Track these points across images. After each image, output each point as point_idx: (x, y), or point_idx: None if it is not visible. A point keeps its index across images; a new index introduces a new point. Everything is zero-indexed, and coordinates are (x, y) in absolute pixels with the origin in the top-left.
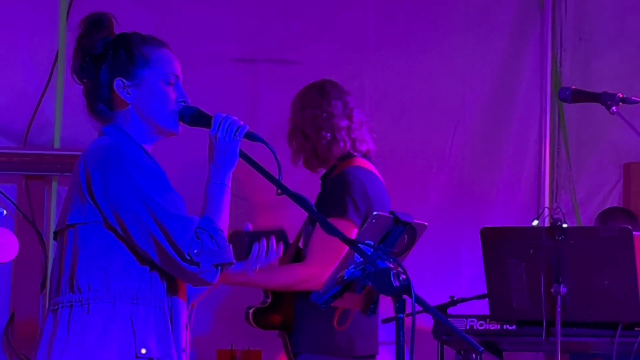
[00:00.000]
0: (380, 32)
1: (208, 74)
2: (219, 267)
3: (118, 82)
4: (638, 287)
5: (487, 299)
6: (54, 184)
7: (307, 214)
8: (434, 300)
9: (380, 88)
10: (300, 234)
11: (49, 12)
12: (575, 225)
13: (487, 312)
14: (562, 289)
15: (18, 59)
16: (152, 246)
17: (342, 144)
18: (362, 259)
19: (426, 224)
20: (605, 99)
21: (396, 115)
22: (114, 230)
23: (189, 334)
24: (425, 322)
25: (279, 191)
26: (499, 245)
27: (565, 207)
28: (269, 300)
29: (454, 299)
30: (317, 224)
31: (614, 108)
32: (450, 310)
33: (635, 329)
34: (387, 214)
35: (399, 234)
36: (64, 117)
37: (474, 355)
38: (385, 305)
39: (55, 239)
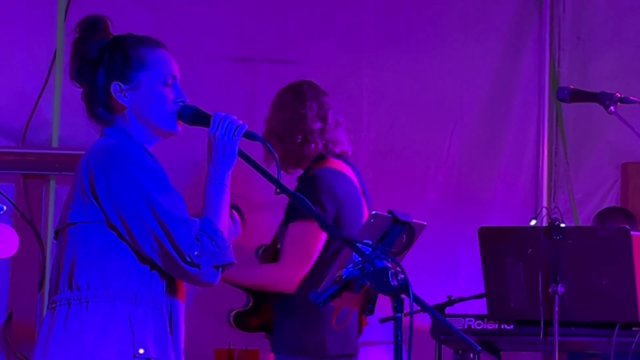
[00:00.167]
0: (378, 32)
1: (207, 73)
2: (220, 269)
3: (115, 86)
4: (636, 287)
5: (485, 298)
6: (52, 183)
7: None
8: (432, 300)
9: (378, 88)
10: (276, 236)
11: (47, 11)
12: (573, 225)
13: (485, 311)
14: (560, 289)
15: (16, 58)
16: (154, 247)
17: (313, 146)
18: (360, 258)
19: (424, 223)
20: (603, 99)
21: (394, 115)
22: (116, 230)
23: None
24: (423, 321)
25: (278, 190)
26: (497, 244)
27: (563, 207)
28: (250, 304)
29: (452, 298)
30: (289, 226)
31: (612, 108)
32: (448, 310)
33: (633, 328)
34: (386, 214)
35: (397, 233)
36: (62, 117)
37: (471, 355)
38: (383, 305)
39: (55, 238)
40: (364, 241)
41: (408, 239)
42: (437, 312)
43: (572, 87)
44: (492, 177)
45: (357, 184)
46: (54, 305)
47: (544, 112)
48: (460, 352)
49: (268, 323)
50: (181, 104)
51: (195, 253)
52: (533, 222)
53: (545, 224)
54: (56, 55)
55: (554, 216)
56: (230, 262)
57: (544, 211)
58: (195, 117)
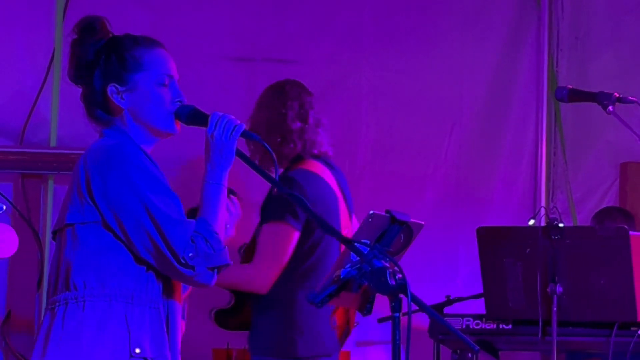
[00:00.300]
0: (377, 31)
1: (205, 72)
2: (215, 270)
3: (112, 88)
4: (634, 287)
5: (483, 298)
6: (50, 183)
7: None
8: (430, 300)
9: (377, 87)
10: (254, 235)
11: (46, 10)
12: (571, 224)
13: (483, 311)
14: (559, 289)
15: (14, 57)
16: (149, 248)
17: (292, 146)
18: (358, 258)
19: (423, 223)
20: (602, 99)
21: (393, 115)
22: (112, 231)
23: (184, 324)
24: (421, 321)
25: (275, 190)
26: (496, 244)
27: (562, 207)
28: (232, 302)
29: (450, 298)
30: (262, 227)
31: (610, 108)
32: (447, 310)
33: (632, 328)
34: (384, 213)
35: (395, 233)
36: (61, 116)
37: (470, 355)
38: (381, 305)
39: (53, 238)
40: (362, 241)
41: (406, 238)
42: (436, 311)
43: (570, 86)
44: (491, 177)
45: (335, 186)
46: (53, 305)
47: (543, 112)
48: (458, 351)
49: (247, 322)
50: (179, 103)
51: (190, 255)
52: (531, 222)
53: (543, 223)
54: (54, 54)
55: (552, 216)
56: (225, 264)
57: (543, 211)
58: (193, 116)
